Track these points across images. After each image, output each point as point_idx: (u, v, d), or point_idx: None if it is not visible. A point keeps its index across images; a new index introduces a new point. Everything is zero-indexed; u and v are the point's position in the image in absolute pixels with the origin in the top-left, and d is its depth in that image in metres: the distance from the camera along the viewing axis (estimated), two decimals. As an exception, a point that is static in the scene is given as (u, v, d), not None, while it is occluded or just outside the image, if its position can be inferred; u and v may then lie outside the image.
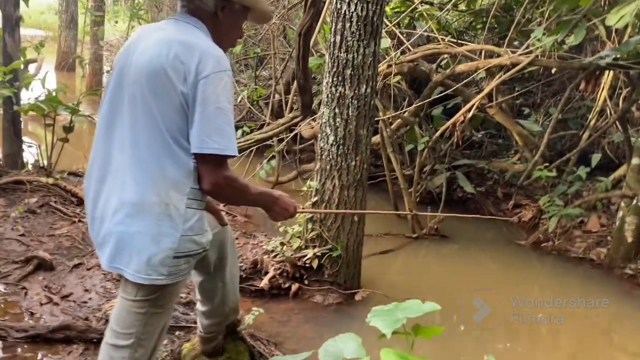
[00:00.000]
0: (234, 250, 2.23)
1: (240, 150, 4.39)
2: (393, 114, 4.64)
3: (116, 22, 13.58)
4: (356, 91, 3.40)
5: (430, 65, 4.66)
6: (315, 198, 3.58)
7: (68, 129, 4.98)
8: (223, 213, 2.13)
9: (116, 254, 1.56)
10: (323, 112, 3.52)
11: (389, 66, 4.40)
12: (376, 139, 5.07)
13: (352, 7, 3.29)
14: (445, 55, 4.67)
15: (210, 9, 1.69)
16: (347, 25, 3.32)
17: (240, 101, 6.05)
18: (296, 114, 4.21)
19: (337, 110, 3.44)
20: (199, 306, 2.25)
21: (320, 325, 3.29)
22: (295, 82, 3.90)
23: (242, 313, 2.53)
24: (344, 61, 3.37)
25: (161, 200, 1.53)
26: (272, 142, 5.10)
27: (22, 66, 6.03)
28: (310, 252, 3.49)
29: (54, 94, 4.77)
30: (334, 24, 3.38)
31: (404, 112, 4.81)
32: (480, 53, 4.69)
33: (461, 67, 4.52)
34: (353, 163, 3.49)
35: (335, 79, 3.42)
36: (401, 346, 1.88)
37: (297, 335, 3.16)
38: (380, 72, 4.44)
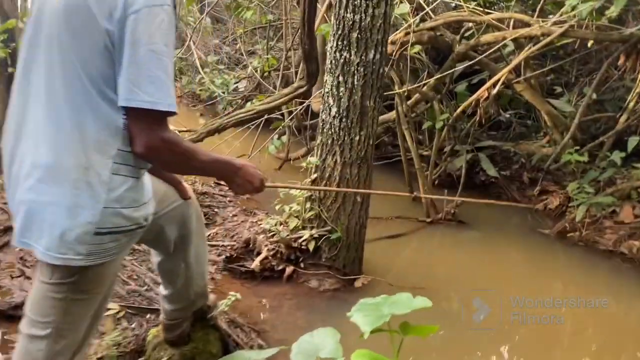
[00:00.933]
0: (201, 227, 1.96)
1: (241, 123, 4.11)
2: (409, 88, 4.28)
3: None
4: (363, 57, 3.06)
5: (452, 35, 4.26)
6: (315, 175, 3.28)
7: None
8: (188, 185, 1.85)
9: (25, 226, 1.30)
10: (326, 80, 3.19)
11: (407, 34, 4.03)
12: (392, 114, 4.74)
13: (361, -38, 2.94)
14: (470, 25, 4.26)
15: None
16: (355, -19, 2.97)
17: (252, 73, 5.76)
18: (301, 83, 3.89)
19: (341, 79, 3.11)
20: (161, 289, 2.00)
21: (313, 313, 3.01)
22: (300, 48, 3.58)
23: (215, 298, 2.27)
24: (350, 23, 3.03)
25: (79, 163, 1.26)
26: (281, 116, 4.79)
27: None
28: (306, 234, 3.20)
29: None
30: (340, -19, 3.04)
31: (422, 85, 4.44)
32: (509, 23, 4.27)
33: (486, 38, 4.11)
34: (357, 138, 3.17)
35: (340, 42, 3.08)
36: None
37: (287, 322, 2.90)
38: (397, 41, 4.07)
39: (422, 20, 4.18)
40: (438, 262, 4.13)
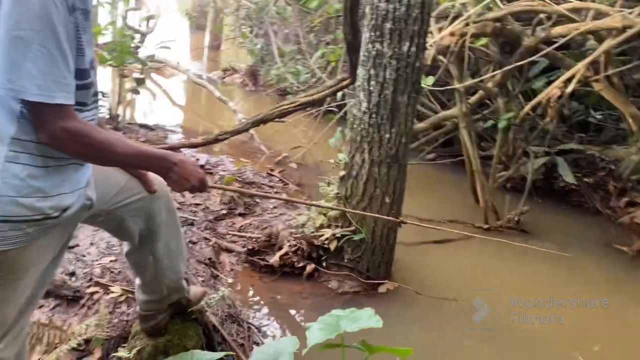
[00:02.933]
0: (173, 222, 1.92)
1: (285, 114, 4.05)
2: (470, 83, 3.96)
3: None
4: (396, 49, 2.87)
5: (521, 27, 3.86)
6: (343, 172, 3.15)
7: (139, 80, 5.03)
8: (153, 178, 1.80)
9: None
10: (358, 73, 3.04)
11: (467, 25, 3.72)
12: (454, 111, 4.44)
13: (396, -53, 2.74)
14: (542, 16, 3.84)
15: None
16: (389, -32, 2.78)
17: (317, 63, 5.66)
18: (345, 76, 3.75)
19: (372, 72, 2.94)
20: (136, 279, 2.00)
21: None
22: (343, 39, 3.44)
23: (201, 292, 2.24)
24: (384, 12, 2.84)
25: None
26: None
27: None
28: (328, 232, 3.09)
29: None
30: (375, -31, 2.85)
31: (486, 80, 4.10)
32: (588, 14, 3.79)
33: (558, 30, 3.68)
34: (387, 136, 2.98)
35: (372, 33, 2.91)
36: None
37: (296, 322, 2.82)
38: (456, 32, 3.78)
39: (487, 9, 3.84)
40: (487, 274, 3.81)
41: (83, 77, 1.37)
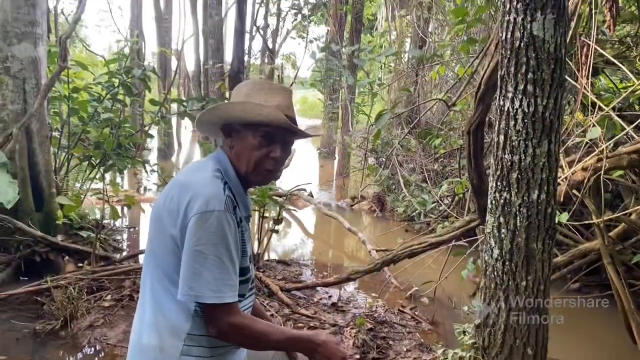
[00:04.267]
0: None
1: (415, 254, 4.11)
2: (609, 217, 3.77)
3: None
4: (525, 198, 2.88)
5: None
6: (479, 321, 3.07)
7: (277, 221, 5.44)
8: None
9: None
10: (487, 220, 3.06)
11: (600, 160, 3.63)
12: (594, 244, 4.20)
13: (517, 104, 2.85)
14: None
15: (225, 137, 1.68)
16: (512, 123, 2.88)
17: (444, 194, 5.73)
18: (473, 217, 3.76)
19: (501, 220, 2.95)
20: None
21: None
22: (469, 183, 3.52)
23: None
24: (509, 163, 2.90)
25: (157, 344, 1.50)
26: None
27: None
28: (467, 386, 2.96)
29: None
30: (497, 123, 2.97)
31: (629, 213, 3.87)
32: None
33: None
34: (523, 283, 2.90)
35: (499, 183, 2.96)
36: None
37: None
38: (588, 167, 3.70)
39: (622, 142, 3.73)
40: None
41: (244, 273, 1.60)
